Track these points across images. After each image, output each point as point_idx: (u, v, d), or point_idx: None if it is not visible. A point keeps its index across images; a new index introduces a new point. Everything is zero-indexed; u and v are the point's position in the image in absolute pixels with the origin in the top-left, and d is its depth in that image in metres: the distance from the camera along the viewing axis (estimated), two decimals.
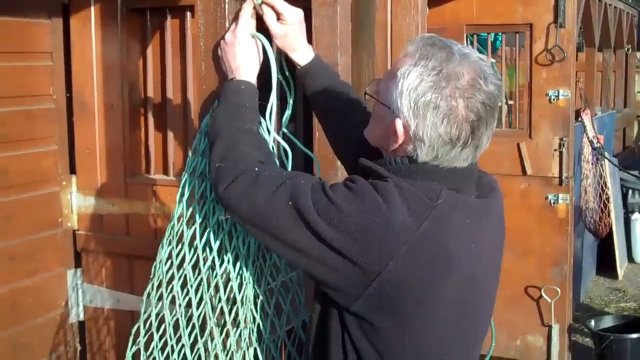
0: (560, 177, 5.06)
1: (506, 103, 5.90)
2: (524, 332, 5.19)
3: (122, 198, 3.87)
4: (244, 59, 2.11)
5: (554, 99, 5.10)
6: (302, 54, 2.27)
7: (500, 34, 5.84)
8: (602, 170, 6.44)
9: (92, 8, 3.85)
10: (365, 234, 1.61)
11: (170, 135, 3.88)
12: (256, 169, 1.83)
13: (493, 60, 5.92)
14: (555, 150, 5.08)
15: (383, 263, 1.59)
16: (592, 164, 6.14)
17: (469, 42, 5.96)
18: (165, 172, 3.90)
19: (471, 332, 1.78)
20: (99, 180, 3.92)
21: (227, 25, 2.33)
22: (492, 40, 6.08)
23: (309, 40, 3.02)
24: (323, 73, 2.30)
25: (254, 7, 2.19)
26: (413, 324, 1.66)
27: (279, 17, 2.18)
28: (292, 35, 2.21)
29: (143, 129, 3.94)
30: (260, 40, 2.19)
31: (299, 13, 2.21)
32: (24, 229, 3.74)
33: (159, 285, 2.23)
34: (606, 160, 6.42)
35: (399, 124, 1.67)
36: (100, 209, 3.94)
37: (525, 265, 5.06)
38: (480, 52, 6.33)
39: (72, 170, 3.99)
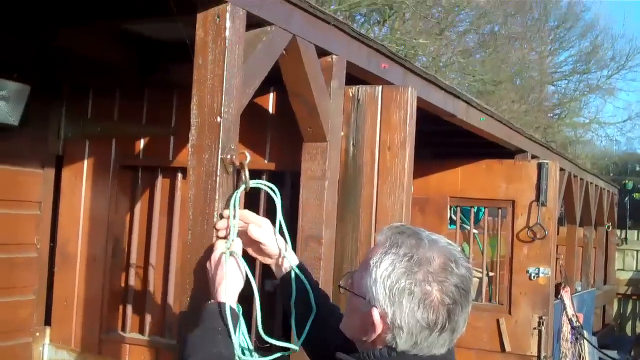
0: (539, 356, 5.03)
1: (487, 275, 5.94)
2: None
3: (95, 354, 3.81)
4: (224, 279, 2.13)
5: (534, 277, 5.15)
6: (279, 261, 2.26)
7: (482, 208, 5.95)
8: (581, 349, 6.41)
9: (86, 161, 3.93)
10: None
11: (150, 294, 3.86)
12: None
13: (475, 231, 6.00)
14: (535, 328, 5.08)
15: None
16: (571, 342, 6.12)
17: (452, 213, 6.08)
18: (141, 331, 3.85)
19: None
20: (74, 334, 3.87)
21: (216, 198, 2.38)
22: (475, 212, 6.20)
23: (296, 211, 3.10)
24: (298, 283, 2.26)
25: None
26: None
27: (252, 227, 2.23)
28: (269, 239, 2.24)
29: (123, 285, 3.92)
30: (238, 261, 2.21)
31: (266, 220, 2.26)
32: None
33: None
34: (585, 340, 6.39)
35: (375, 313, 1.65)
36: None
37: None
38: (463, 222, 6.46)
39: (47, 322, 3.93)
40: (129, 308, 3.90)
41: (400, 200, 3.23)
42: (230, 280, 2.10)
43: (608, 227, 9.70)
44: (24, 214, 3.80)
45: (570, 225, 8.09)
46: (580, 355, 6.36)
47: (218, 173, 2.39)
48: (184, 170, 3.61)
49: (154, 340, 3.76)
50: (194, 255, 2.43)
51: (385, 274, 1.65)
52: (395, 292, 1.63)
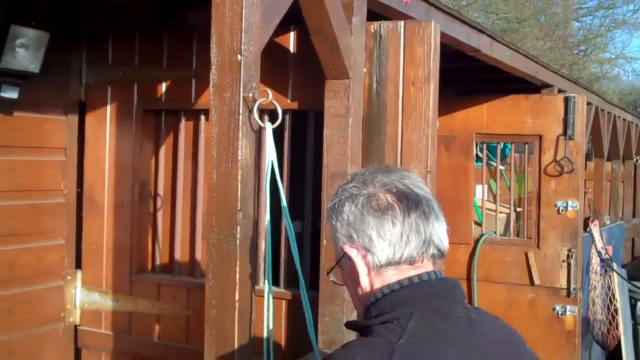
0: (568, 288, 5.02)
1: (515, 210, 5.91)
2: None
3: (126, 295, 3.86)
4: None
5: (562, 210, 5.11)
6: None
7: (509, 144, 5.89)
8: (611, 281, 6.38)
9: (108, 107, 3.93)
10: None
11: (178, 235, 3.89)
12: None
13: (502, 167, 5.95)
14: (564, 261, 5.06)
15: None
16: (601, 275, 6.09)
17: (478, 150, 6.03)
18: (171, 272, 3.89)
19: None
20: (104, 276, 3.92)
21: (240, 137, 2.37)
22: (502, 148, 6.14)
23: (321, 150, 3.08)
24: None
25: None
26: None
27: None
28: None
29: (151, 228, 3.95)
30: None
31: None
32: (25, 323, 3.71)
33: None
34: (614, 272, 6.37)
35: (347, 250, 1.68)
36: (104, 306, 3.92)
37: None
38: (489, 158, 6.41)
39: (78, 265, 3.99)
40: (158, 250, 3.93)
41: (425, 135, 3.20)
42: None
43: (636, 161, 9.58)
44: (50, 160, 3.82)
45: (598, 159, 8.01)
46: (609, 287, 6.34)
47: (240, 111, 2.38)
48: (206, 113, 3.61)
49: (184, 280, 3.79)
50: (220, 193, 2.43)
51: (337, 214, 1.68)
52: (348, 219, 1.66)
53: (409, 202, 1.65)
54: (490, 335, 1.71)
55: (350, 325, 1.76)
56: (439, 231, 1.68)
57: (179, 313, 3.73)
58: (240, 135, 2.41)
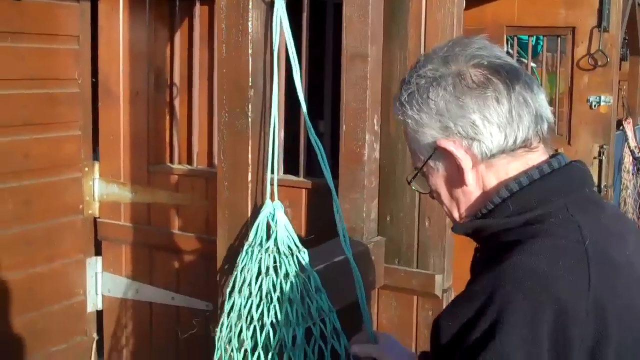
0: (599, 186, 4.88)
1: None
2: None
3: (145, 186, 3.80)
4: None
5: (595, 105, 4.93)
6: None
7: (541, 38, 5.66)
8: None
9: None
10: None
11: (196, 124, 3.79)
12: None
13: (533, 65, 5.76)
14: (595, 158, 4.90)
15: None
16: (633, 174, 5.95)
17: (509, 45, 5.81)
18: (190, 162, 3.81)
19: None
20: (122, 168, 3.85)
21: (249, 8, 2.24)
22: (534, 44, 5.92)
23: (339, 30, 2.93)
24: None
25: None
26: None
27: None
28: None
29: (168, 117, 3.86)
30: None
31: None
32: (43, 214, 3.68)
33: None
34: None
35: (445, 145, 1.42)
36: (122, 197, 3.87)
37: None
38: (520, 55, 6.19)
39: (95, 157, 3.92)
40: (176, 140, 3.85)
41: (450, 13, 3.01)
42: None
43: None
44: (62, 48, 3.70)
45: (633, 57, 7.72)
46: None
47: None
48: None
49: (202, 170, 3.72)
50: (230, 68, 2.32)
51: (421, 107, 1.44)
52: (440, 106, 1.42)
53: (508, 73, 1.41)
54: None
55: (463, 229, 1.50)
56: (544, 102, 1.45)
57: (198, 204, 3.67)
58: (250, 6, 2.27)
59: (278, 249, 2.19)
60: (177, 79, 3.83)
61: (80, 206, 3.87)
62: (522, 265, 1.27)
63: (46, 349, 3.75)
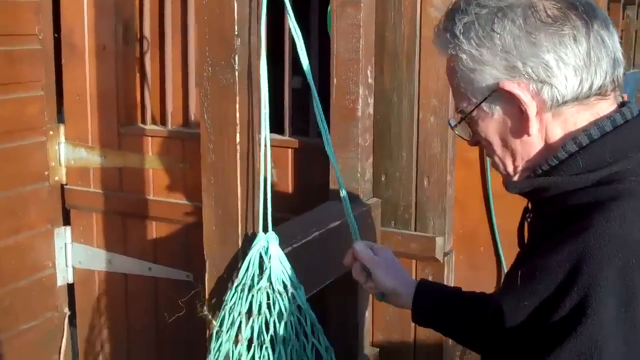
0: None
1: None
2: None
3: (115, 150, 3.52)
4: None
5: None
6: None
7: None
8: None
9: None
10: None
11: (169, 81, 3.51)
12: None
13: None
14: None
15: None
16: None
17: None
18: (163, 122, 3.54)
19: None
20: (90, 130, 3.57)
21: None
22: None
23: None
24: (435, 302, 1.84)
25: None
26: None
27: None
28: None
29: (138, 74, 3.57)
30: None
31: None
32: (5, 183, 3.39)
33: None
34: None
35: (510, 87, 1.22)
36: (91, 162, 3.59)
37: None
38: None
39: (60, 119, 3.63)
40: (147, 98, 3.57)
41: None
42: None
43: None
44: (20, 0, 3.38)
45: (613, 4, 7.55)
46: None
47: None
48: None
49: (178, 130, 3.45)
50: (213, 15, 2.05)
51: (483, 42, 1.23)
52: (506, 41, 1.21)
53: (585, 7, 1.21)
54: None
55: (519, 188, 1.31)
56: (618, 44, 1.25)
57: (174, 167, 3.41)
58: None
59: (272, 286, 1.98)
60: (147, 31, 3.53)
61: (46, 173, 3.58)
62: (612, 233, 1.09)
63: (15, 327, 3.51)
